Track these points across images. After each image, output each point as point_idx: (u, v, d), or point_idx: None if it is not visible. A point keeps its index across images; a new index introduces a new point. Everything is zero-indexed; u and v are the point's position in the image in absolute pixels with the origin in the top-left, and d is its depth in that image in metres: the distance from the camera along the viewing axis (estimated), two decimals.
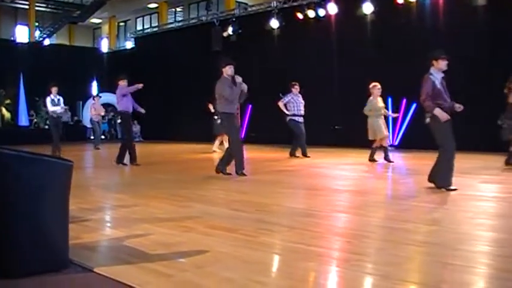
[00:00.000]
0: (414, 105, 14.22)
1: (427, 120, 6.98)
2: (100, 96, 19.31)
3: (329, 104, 16.07)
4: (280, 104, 12.61)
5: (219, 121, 9.03)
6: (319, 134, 15.63)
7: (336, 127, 15.97)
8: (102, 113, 18.35)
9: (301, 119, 12.68)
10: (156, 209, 5.77)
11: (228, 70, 9.06)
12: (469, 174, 8.79)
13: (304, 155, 12.60)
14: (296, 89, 12.72)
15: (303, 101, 12.71)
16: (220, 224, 4.88)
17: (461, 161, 10.79)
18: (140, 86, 11.41)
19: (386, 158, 11.15)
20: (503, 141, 10.10)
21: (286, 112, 12.57)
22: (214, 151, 14.63)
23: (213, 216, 5.31)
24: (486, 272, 3.47)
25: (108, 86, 23.09)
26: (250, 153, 9.98)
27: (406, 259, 3.68)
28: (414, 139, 13.85)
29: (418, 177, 8.60)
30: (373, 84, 11.22)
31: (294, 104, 12.60)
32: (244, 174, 8.83)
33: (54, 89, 13.61)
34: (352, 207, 6.03)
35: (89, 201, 6.41)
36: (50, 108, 13.60)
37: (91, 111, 18.62)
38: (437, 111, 6.69)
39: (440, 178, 6.87)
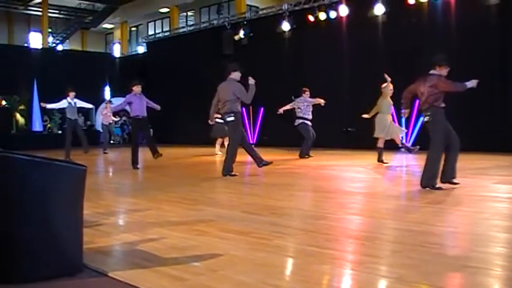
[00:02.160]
0: None
1: (426, 118, 7.23)
2: (111, 102, 19.41)
3: (341, 106, 16.03)
4: (288, 106, 13.16)
5: (230, 119, 9.14)
6: (331, 136, 15.61)
7: (349, 129, 15.92)
8: (110, 120, 18.43)
9: (308, 122, 13.02)
10: (169, 213, 5.78)
11: (238, 76, 9.43)
12: (482, 174, 8.74)
13: (307, 154, 13.01)
14: (307, 94, 13.06)
15: (311, 107, 13.06)
16: (233, 227, 4.87)
17: (474, 162, 10.82)
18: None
19: (408, 148, 11.81)
20: None
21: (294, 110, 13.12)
22: (217, 154, 14.76)
23: (225, 219, 5.31)
24: (502, 273, 3.43)
25: (120, 91, 23.17)
26: (262, 155, 10.04)
27: (420, 261, 3.65)
28: (427, 140, 13.76)
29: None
30: (385, 84, 11.22)
31: (303, 108, 12.99)
32: (231, 175, 9.09)
33: (71, 94, 14.24)
34: (365, 210, 6.01)
35: (102, 205, 6.44)
36: (53, 105, 14.70)
37: (101, 116, 18.82)
38: (469, 83, 7.04)
39: (426, 178, 7.05)
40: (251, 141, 18.38)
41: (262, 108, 18.38)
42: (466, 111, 12.99)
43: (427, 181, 6.98)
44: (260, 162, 9.59)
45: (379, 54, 15.29)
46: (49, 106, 15.14)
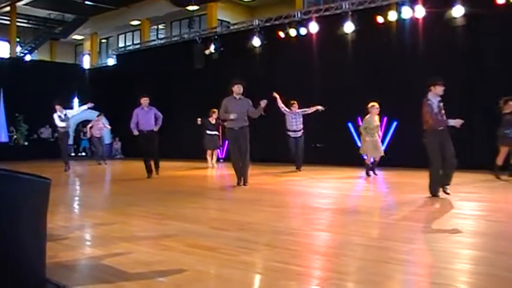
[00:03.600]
0: (395, 124, 14.38)
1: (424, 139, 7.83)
2: (102, 115, 19.22)
3: (310, 122, 16.14)
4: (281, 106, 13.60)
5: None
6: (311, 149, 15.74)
7: (318, 145, 16.04)
8: (102, 133, 18.26)
9: (292, 134, 13.57)
10: (135, 227, 5.73)
11: (236, 89, 10.05)
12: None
13: (297, 168, 13.55)
14: (294, 106, 13.59)
15: (299, 119, 13.59)
16: (200, 242, 4.85)
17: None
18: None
19: (373, 170, 11.95)
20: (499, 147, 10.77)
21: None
22: (212, 166, 15.02)
23: (192, 234, 5.28)
24: None
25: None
26: (231, 170, 10.10)
27: (385, 278, 3.69)
28: (395, 157, 13.96)
29: (398, 196, 8.68)
30: (372, 104, 11.61)
31: (288, 119, 13.54)
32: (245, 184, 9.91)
33: (58, 107, 14.26)
34: (333, 226, 6.04)
35: (69, 218, 6.36)
36: (59, 124, 14.33)
37: (89, 130, 18.61)
38: (452, 121, 7.73)
39: (430, 187, 7.90)
40: (221, 156, 18.40)
41: None
42: None
43: (430, 191, 7.88)
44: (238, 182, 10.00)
45: (349, 71, 15.48)
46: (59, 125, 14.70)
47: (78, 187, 11.55)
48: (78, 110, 15.01)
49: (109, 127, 19.31)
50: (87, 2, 27.46)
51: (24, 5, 27.88)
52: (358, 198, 8.80)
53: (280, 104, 13.46)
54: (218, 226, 5.72)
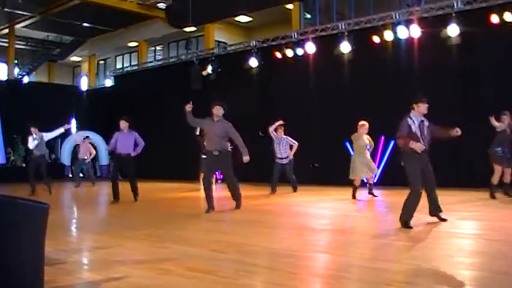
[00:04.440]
0: (392, 142, 14.39)
1: (402, 163, 7.29)
2: (89, 138, 19.20)
3: (308, 142, 16.16)
4: (271, 129, 13.22)
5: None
6: (297, 172, 15.67)
7: (315, 165, 16.04)
8: (86, 156, 18.18)
9: (279, 161, 13.25)
10: (133, 250, 5.70)
11: (215, 111, 9.36)
12: (446, 210, 8.82)
13: (272, 191, 13.15)
14: (280, 131, 13.22)
15: (286, 144, 13.25)
16: (199, 265, 4.82)
17: (439, 198, 10.97)
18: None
19: (370, 192, 11.64)
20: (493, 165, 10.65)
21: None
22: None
23: (191, 257, 5.25)
24: None
25: (87, 124, 23.01)
26: (227, 191, 10.07)
27: None
28: (393, 176, 13.92)
29: (397, 215, 8.64)
30: (361, 122, 11.46)
31: (275, 145, 13.22)
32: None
33: (33, 129, 13.79)
34: (331, 247, 6.02)
35: (66, 242, 6.31)
36: (30, 146, 13.88)
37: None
38: (413, 144, 7.00)
39: (402, 215, 7.11)
40: (218, 177, 18.39)
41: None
42: (434, 147, 13.26)
43: (401, 217, 7.10)
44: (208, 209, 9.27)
45: (345, 90, 15.55)
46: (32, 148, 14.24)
47: (74, 209, 11.50)
48: (54, 133, 14.19)
49: (94, 152, 18.97)
50: (84, 24, 27.61)
51: (23, 27, 28.04)
52: (356, 219, 8.78)
53: (272, 128, 13.15)
54: (217, 248, 5.69)
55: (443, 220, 7.33)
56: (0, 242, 3.26)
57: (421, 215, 8.02)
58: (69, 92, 27.69)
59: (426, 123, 7.31)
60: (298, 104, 16.70)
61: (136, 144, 11.59)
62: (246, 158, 9.33)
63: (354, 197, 11.35)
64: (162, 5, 24.93)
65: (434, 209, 7.38)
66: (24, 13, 25.87)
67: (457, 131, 7.40)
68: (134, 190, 11.66)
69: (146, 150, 11.94)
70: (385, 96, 14.51)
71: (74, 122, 24.98)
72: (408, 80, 14.05)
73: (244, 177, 12.28)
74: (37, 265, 3.51)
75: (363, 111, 13.39)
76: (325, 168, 15.78)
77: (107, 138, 20.19)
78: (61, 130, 13.98)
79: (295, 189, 13.44)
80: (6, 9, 24.68)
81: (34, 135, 13.80)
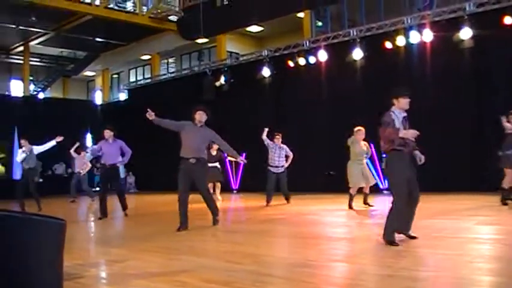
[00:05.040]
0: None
1: (383, 165, 6.43)
2: (86, 152, 19.27)
3: (321, 150, 16.14)
4: (263, 137, 12.67)
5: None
6: (312, 180, 15.66)
7: (331, 173, 15.97)
8: (81, 170, 17.98)
9: (274, 170, 12.73)
10: (150, 263, 5.70)
11: (198, 116, 8.86)
12: (464, 215, 8.79)
13: (267, 202, 12.66)
14: (277, 139, 12.76)
15: (282, 153, 12.71)
16: (215, 277, 4.81)
17: (455, 203, 10.91)
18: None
19: (365, 202, 11.17)
20: (501, 168, 10.20)
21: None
22: (217, 199, 14.68)
23: (206, 269, 5.24)
24: None
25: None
26: (242, 202, 9.99)
27: None
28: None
29: (413, 222, 8.56)
30: (357, 128, 11.16)
31: (270, 153, 12.72)
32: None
33: (23, 141, 13.68)
34: (348, 256, 5.97)
35: (83, 256, 6.35)
36: (18, 159, 13.76)
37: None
38: (405, 134, 6.10)
39: (386, 231, 6.16)
40: (234, 187, 18.38)
41: (243, 154, 18.40)
42: (448, 151, 13.19)
43: (388, 237, 6.14)
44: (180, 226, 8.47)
45: (358, 97, 15.51)
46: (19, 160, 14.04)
47: (89, 223, 11.55)
48: (44, 146, 13.69)
49: (89, 165, 18.84)
50: (97, 39, 27.89)
51: (37, 44, 28.41)
52: (372, 226, 8.70)
53: (264, 136, 12.63)
54: (232, 259, 5.68)
55: (413, 238, 6.39)
56: (20, 259, 3.29)
57: (438, 220, 7.98)
58: (84, 107, 28.03)
59: (406, 121, 6.45)
60: (311, 112, 16.68)
61: (123, 154, 11.24)
62: (241, 159, 9.05)
63: (350, 207, 10.81)
64: (173, 18, 25.13)
65: (406, 227, 6.36)
66: (38, 30, 26.22)
67: (421, 160, 6.30)
68: (122, 203, 11.33)
69: (159, 162, 11.94)
70: None
71: (89, 136, 25.25)
72: (421, 84, 13.98)
73: (256, 186, 12.23)
74: (56, 281, 3.53)
75: (376, 118, 13.32)
76: (339, 176, 15.70)
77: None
78: (53, 143, 13.48)
79: (288, 200, 12.94)
80: (20, 27, 25.02)
81: (24, 148, 13.50)
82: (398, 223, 6.17)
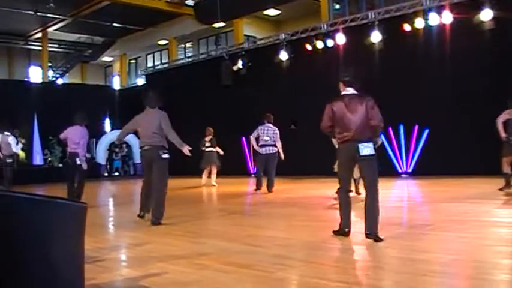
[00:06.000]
0: (427, 131, 14.20)
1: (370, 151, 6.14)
2: None
3: None
4: (252, 138, 12.23)
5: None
6: (329, 164, 15.57)
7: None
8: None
9: (262, 150, 12.02)
10: (170, 246, 5.75)
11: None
12: (484, 199, 8.72)
13: (257, 187, 12.06)
14: (268, 117, 12.27)
15: (269, 132, 12.05)
16: (236, 260, 4.84)
17: (477, 186, 10.81)
18: None
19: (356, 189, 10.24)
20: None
21: (256, 148, 12.16)
22: (213, 185, 14.72)
23: (227, 252, 5.28)
24: None
25: (120, 123, 23.29)
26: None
27: None
28: (428, 166, 13.80)
29: (433, 205, 8.54)
30: None
31: (261, 136, 12.10)
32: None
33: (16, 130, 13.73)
34: (366, 238, 5.95)
35: (104, 240, 6.42)
36: (15, 149, 13.29)
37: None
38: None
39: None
40: (252, 172, 18.40)
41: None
42: (469, 135, 13.05)
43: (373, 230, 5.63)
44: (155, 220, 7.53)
45: (377, 80, 15.36)
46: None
47: (109, 207, 11.67)
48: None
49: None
50: (115, 25, 27.95)
51: (55, 30, 28.56)
52: (391, 209, 8.67)
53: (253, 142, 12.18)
54: (252, 243, 5.71)
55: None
56: (41, 241, 3.33)
57: (457, 203, 7.93)
58: (102, 92, 28.22)
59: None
60: (329, 96, 16.56)
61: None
62: (186, 149, 8.15)
63: (357, 192, 10.02)
64: (190, 2, 25.08)
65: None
66: (56, 16, 26.33)
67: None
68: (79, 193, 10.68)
69: (175, 148, 11.72)
70: (417, 85, 14.32)
71: (107, 121, 25.42)
72: (441, 67, 13.85)
73: (277, 170, 12.21)
74: (78, 263, 3.58)
75: (395, 101, 13.25)
76: None
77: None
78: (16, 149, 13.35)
79: (269, 189, 11.90)
80: (38, 14, 25.15)
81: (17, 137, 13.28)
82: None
